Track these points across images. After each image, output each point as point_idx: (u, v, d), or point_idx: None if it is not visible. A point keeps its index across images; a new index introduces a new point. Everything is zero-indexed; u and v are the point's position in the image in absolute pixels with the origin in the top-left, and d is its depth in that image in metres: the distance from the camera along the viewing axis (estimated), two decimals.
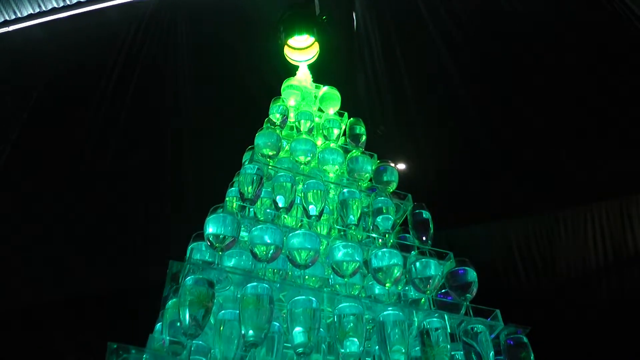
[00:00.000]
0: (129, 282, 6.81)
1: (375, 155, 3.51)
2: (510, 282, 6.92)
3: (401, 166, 6.76)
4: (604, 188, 6.61)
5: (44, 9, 7.35)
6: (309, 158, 3.26)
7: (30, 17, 7.36)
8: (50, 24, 7.45)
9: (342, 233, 2.87)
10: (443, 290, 2.71)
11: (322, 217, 2.90)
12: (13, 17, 7.32)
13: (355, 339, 2.22)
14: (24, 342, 6.64)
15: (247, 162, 3.04)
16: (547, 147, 6.85)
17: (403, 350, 2.26)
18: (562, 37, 6.68)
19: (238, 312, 2.20)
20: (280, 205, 2.82)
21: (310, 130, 3.58)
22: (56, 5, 7.33)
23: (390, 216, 2.97)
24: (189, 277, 2.18)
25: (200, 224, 2.54)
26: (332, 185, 3.18)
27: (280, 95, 3.95)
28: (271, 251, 2.47)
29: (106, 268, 7.03)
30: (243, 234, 2.61)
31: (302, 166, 3.22)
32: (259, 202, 2.94)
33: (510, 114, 6.90)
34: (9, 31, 7.40)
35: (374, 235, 2.92)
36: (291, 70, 4.50)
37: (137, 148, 7.36)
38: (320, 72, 4.44)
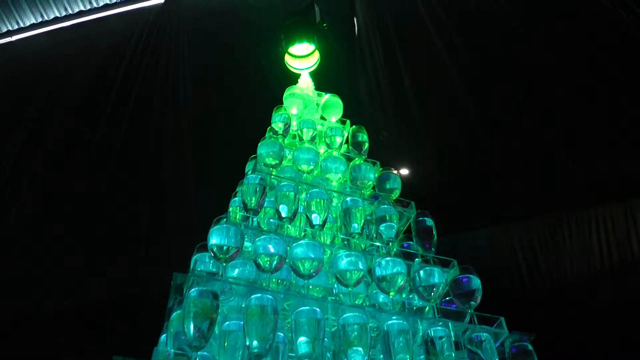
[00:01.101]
0: (130, 287, 6.83)
1: (378, 163, 3.49)
2: (514, 285, 6.90)
3: (404, 171, 6.76)
4: (608, 190, 6.59)
5: (46, 18, 7.40)
6: (311, 167, 3.25)
7: (33, 26, 7.41)
8: (52, 33, 7.50)
9: (345, 242, 2.87)
10: (447, 298, 2.71)
11: (325, 226, 2.89)
12: (16, 27, 7.38)
13: (360, 348, 2.21)
14: (25, 349, 6.66)
15: (250, 172, 3.04)
16: (550, 149, 6.83)
17: (408, 359, 2.26)
18: (562, 37, 6.67)
19: (242, 323, 2.20)
20: (283, 214, 2.82)
21: (312, 139, 3.58)
22: (58, 15, 7.38)
23: (393, 224, 2.96)
24: (193, 289, 2.18)
25: (201, 225, 2.54)
26: (335, 194, 3.18)
27: (282, 103, 3.96)
28: (275, 261, 2.47)
29: (107, 273, 7.05)
30: (247, 244, 2.61)
31: (305, 175, 3.21)
32: (262, 212, 2.93)
33: (511, 113, 6.89)
34: (12, 41, 7.45)
35: (377, 243, 2.90)
36: (293, 75, 4.51)
37: (138, 152, 7.39)
38: (322, 79, 4.44)
